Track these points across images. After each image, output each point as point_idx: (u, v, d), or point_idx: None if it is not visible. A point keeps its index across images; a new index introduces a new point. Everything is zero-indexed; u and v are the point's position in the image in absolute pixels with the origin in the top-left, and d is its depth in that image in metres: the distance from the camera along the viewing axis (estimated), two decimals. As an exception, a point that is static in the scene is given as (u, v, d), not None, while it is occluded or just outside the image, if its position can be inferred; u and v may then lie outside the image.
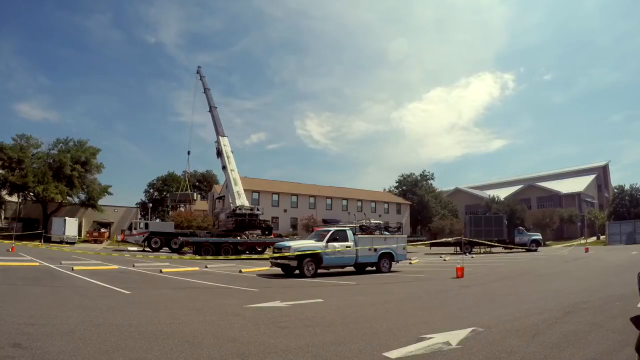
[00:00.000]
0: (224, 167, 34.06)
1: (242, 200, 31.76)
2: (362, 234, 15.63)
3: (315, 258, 14.07)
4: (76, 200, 46.39)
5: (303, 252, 13.90)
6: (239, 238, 27.49)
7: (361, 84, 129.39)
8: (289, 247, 14.10)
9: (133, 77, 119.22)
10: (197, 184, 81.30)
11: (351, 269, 15.56)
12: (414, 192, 65.40)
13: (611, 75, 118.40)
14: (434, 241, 29.13)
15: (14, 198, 44.07)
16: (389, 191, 69.76)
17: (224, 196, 45.61)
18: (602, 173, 79.55)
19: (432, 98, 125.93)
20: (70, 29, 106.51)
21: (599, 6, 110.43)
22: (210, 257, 23.02)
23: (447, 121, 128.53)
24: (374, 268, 15.68)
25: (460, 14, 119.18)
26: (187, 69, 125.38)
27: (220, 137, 34.99)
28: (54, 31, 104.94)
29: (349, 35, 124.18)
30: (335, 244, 14.57)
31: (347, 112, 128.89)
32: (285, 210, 52.17)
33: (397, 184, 70.18)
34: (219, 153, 34.96)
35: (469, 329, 5.51)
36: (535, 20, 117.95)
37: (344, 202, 57.16)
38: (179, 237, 30.51)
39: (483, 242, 30.59)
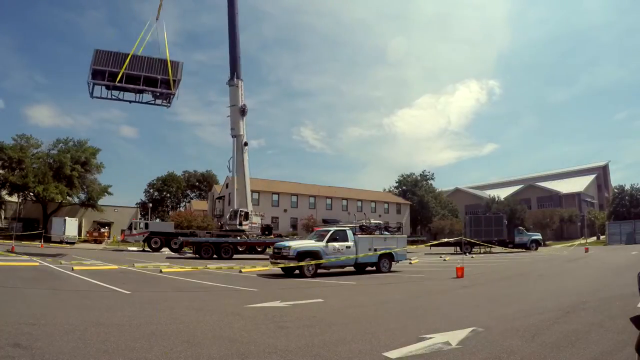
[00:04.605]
0: (236, 137, 26.70)
1: (249, 205, 28.79)
2: (362, 234, 15.63)
3: (315, 258, 14.08)
4: (76, 200, 46.39)
5: (303, 252, 13.91)
6: (239, 238, 27.45)
7: (359, 82, 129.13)
8: (289, 247, 14.11)
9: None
10: (197, 183, 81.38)
11: (351, 269, 15.56)
12: (414, 192, 65.47)
13: (615, 73, 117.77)
14: (434, 242, 29.09)
15: (14, 198, 44.10)
16: (389, 191, 69.82)
17: (224, 196, 45.51)
18: (602, 173, 79.58)
19: (421, 104, 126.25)
20: (65, 27, 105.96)
21: (601, 2, 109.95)
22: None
23: (437, 126, 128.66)
24: (374, 268, 15.67)
25: (460, 10, 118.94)
26: (184, 68, 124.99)
27: (237, 81, 26.64)
28: (49, 29, 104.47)
29: (346, 32, 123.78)
30: (335, 244, 14.57)
31: (342, 116, 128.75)
32: (285, 210, 52.19)
33: (397, 184, 70.33)
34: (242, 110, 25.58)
35: (469, 329, 5.51)
36: (537, 16, 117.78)
37: (344, 202, 57.20)
38: (179, 237, 30.53)
39: (482, 243, 30.61)
